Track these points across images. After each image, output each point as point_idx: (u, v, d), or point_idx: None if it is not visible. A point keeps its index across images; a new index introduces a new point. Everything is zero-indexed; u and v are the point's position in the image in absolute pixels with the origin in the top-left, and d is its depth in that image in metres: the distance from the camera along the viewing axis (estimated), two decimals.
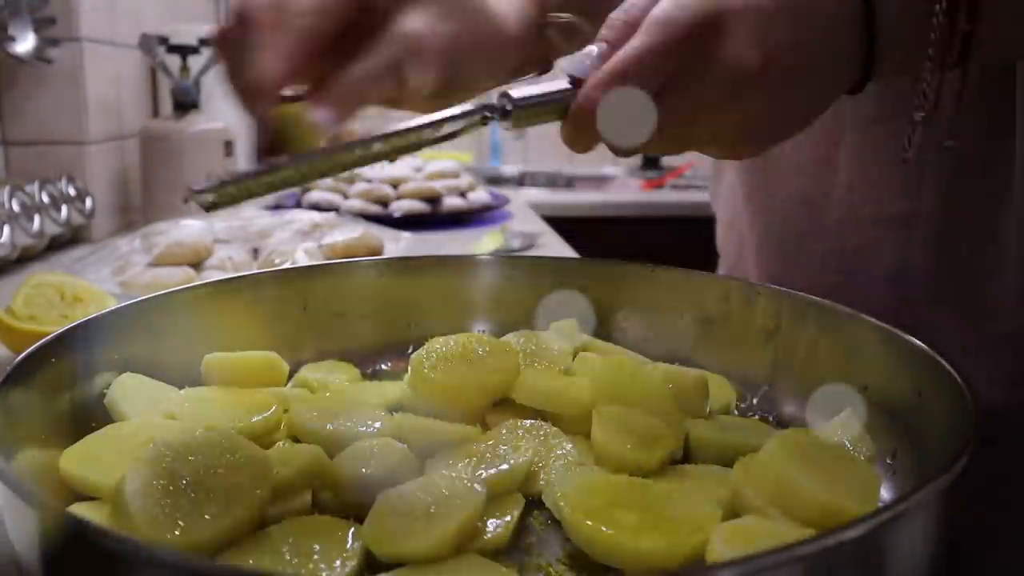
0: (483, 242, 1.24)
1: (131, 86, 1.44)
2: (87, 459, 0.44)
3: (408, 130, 0.42)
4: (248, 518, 0.39)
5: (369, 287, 0.67)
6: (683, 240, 1.56)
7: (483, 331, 0.67)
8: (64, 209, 1.15)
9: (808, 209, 0.68)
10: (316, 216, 1.14)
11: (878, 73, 0.45)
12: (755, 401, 0.59)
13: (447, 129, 0.43)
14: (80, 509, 0.41)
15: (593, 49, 0.43)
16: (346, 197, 1.50)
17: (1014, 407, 0.58)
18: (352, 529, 0.40)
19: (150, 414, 0.49)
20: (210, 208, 0.39)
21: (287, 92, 0.42)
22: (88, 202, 1.21)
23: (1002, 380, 0.59)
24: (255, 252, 1.03)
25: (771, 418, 0.57)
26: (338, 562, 0.38)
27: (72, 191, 1.18)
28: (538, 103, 0.43)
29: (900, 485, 0.46)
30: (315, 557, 0.38)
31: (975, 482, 0.34)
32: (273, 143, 0.41)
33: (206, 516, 0.38)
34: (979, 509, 0.44)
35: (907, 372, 0.48)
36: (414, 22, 0.45)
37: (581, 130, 0.43)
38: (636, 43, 0.41)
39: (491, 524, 0.42)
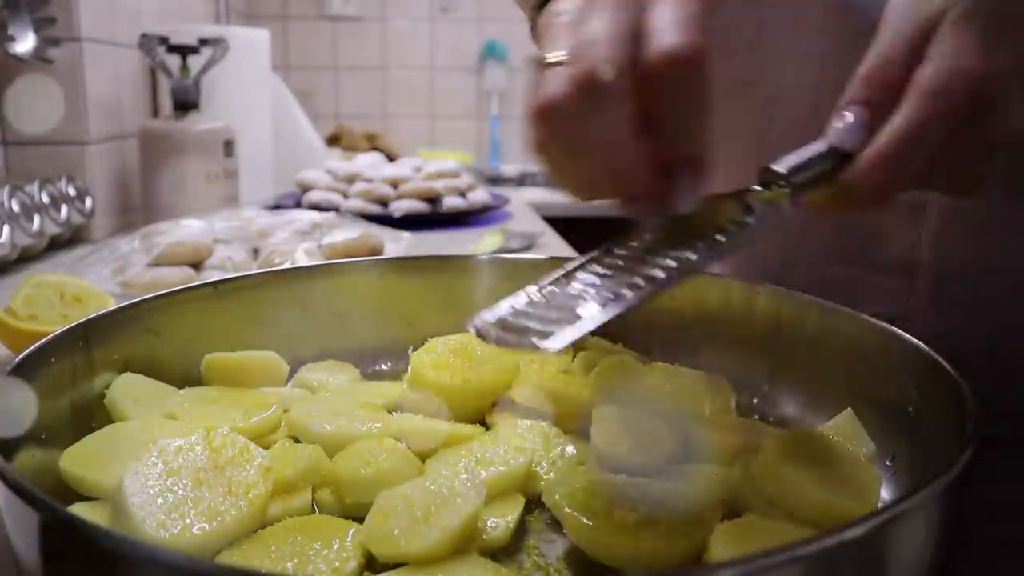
0: (483, 242, 1.24)
1: (131, 86, 1.44)
2: (87, 459, 0.44)
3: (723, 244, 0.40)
4: (248, 518, 0.39)
5: (369, 287, 0.67)
6: None
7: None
8: (64, 209, 1.15)
9: None
10: (316, 216, 1.14)
11: None
12: (755, 401, 0.59)
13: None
14: (80, 509, 0.41)
15: (848, 117, 0.41)
16: (346, 197, 1.50)
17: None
18: (352, 529, 0.40)
19: (150, 414, 0.50)
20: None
21: None
22: (88, 202, 1.21)
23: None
24: (255, 252, 1.03)
25: (771, 418, 0.57)
26: (338, 562, 0.38)
27: (72, 191, 1.18)
28: (810, 175, 0.40)
29: (900, 485, 0.46)
30: (315, 557, 0.38)
31: None
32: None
33: (206, 516, 0.38)
34: None
35: (907, 372, 0.48)
36: None
37: (855, 200, 0.40)
38: (910, 116, 0.39)
39: (491, 524, 0.42)
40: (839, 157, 0.40)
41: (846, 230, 0.65)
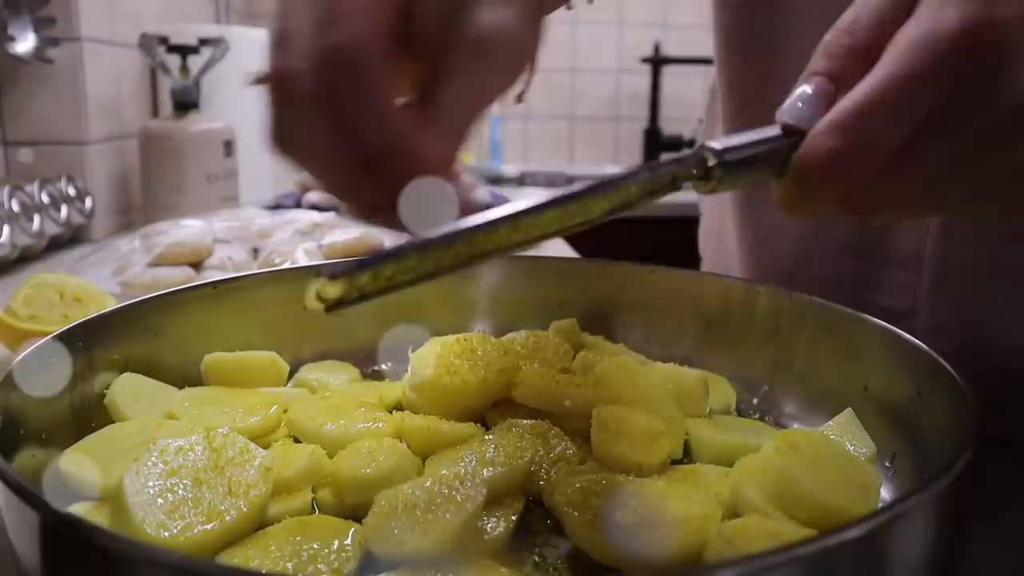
0: None
1: (131, 86, 1.44)
2: (87, 459, 0.44)
3: (570, 200, 0.32)
4: (248, 518, 0.39)
5: None
6: (682, 240, 1.55)
7: (483, 331, 0.67)
8: (64, 209, 1.15)
9: None
10: (316, 216, 1.14)
11: None
12: (755, 401, 0.59)
13: (623, 197, 0.33)
14: (80, 509, 0.41)
15: (807, 88, 0.34)
16: None
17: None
18: (352, 529, 0.40)
19: (150, 414, 0.50)
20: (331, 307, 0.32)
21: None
22: (88, 202, 1.22)
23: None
24: (255, 252, 1.03)
25: (771, 418, 0.57)
26: (338, 562, 0.38)
27: (72, 191, 1.18)
28: (748, 157, 0.33)
29: (900, 486, 0.46)
30: (315, 557, 0.38)
31: None
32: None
33: (206, 516, 0.38)
34: None
35: (907, 372, 0.48)
36: (486, 17, 0.33)
37: (808, 188, 0.33)
38: (883, 73, 0.31)
39: (491, 524, 0.42)
40: (797, 137, 0.33)
41: (862, 225, 0.65)
